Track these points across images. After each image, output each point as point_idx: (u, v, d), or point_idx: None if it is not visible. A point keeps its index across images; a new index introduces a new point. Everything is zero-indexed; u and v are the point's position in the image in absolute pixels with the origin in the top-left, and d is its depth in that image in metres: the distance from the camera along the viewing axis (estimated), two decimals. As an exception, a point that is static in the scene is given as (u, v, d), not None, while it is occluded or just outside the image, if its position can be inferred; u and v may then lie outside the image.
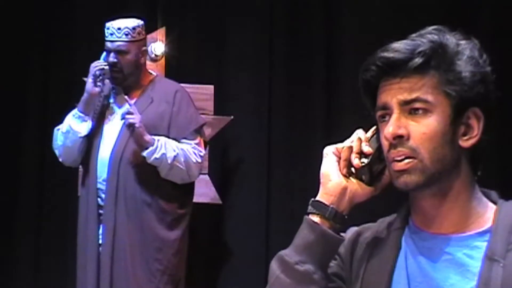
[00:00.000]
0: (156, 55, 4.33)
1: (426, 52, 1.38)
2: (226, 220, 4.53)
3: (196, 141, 3.76)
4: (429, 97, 1.38)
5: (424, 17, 4.31)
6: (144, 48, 3.80)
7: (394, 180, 1.41)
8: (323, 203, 1.44)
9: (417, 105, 1.38)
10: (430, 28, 1.43)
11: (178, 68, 4.50)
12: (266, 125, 4.55)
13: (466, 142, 1.40)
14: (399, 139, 1.39)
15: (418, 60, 1.38)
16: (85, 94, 3.70)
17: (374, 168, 1.45)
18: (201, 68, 4.61)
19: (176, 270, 3.72)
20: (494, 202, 1.45)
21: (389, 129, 1.39)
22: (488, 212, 1.43)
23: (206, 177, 4.28)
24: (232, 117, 4.39)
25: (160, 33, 4.38)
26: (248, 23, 4.63)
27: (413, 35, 1.42)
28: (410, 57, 1.38)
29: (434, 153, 1.38)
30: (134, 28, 3.73)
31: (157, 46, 4.33)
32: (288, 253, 1.44)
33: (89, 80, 3.68)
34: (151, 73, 3.89)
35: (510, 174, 4.21)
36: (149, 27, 4.44)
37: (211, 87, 4.40)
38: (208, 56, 4.65)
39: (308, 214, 1.45)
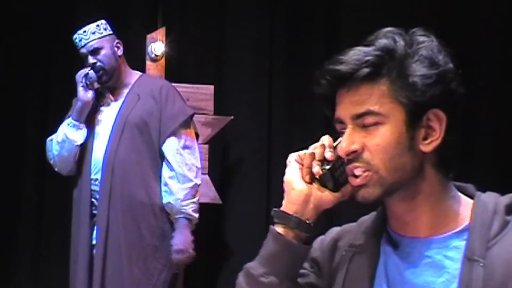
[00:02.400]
0: (156, 55, 4.33)
1: (372, 61, 1.34)
2: (226, 220, 4.52)
3: (182, 139, 3.73)
4: (380, 108, 1.34)
5: (423, 15, 4.31)
6: (116, 41, 3.81)
7: (355, 194, 1.39)
8: (286, 213, 1.41)
9: (368, 117, 1.35)
10: (383, 31, 1.39)
11: (178, 68, 4.50)
12: (266, 125, 4.55)
13: (427, 146, 1.36)
14: (353, 154, 1.36)
15: (364, 71, 1.33)
16: (78, 103, 3.71)
17: (337, 174, 1.41)
18: (201, 68, 4.61)
19: (175, 270, 3.72)
20: (472, 197, 1.42)
21: (342, 145, 1.37)
22: (465, 209, 1.40)
23: (206, 177, 4.27)
24: (232, 117, 4.38)
25: (160, 33, 4.38)
26: (248, 23, 4.63)
27: (369, 38, 1.38)
28: (356, 68, 1.34)
29: (391, 164, 1.35)
30: (98, 26, 3.78)
31: (157, 46, 4.33)
32: (253, 266, 1.42)
33: (80, 89, 3.70)
34: (136, 73, 3.92)
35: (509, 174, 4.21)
36: (149, 27, 4.45)
37: (211, 87, 4.40)
38: (208, 56, 4.64)
39: (274, 224, 1.43)
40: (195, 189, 3.70)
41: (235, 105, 4.51)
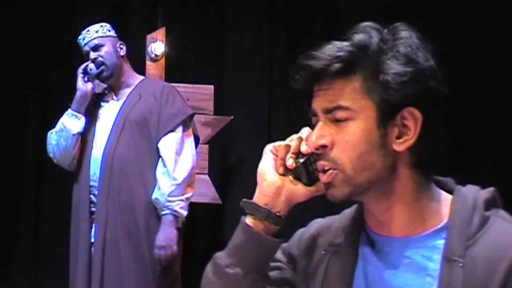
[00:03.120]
0: (156, 55, 4.33)
1: (344, 57, 1.30)
2: (226, 220, 4.52)
3: (179, 138, 3.73)
4: (351, 104, 1.30)
5: (423, 15, 4.31)
6: (119, 43, 3.84)
7: (325, 192, 1.36)
8: (256, 204, 1.39)
9: (339, 112, 1.31)
10: (361, 26, 1.35)
11: (178, 68, 4.50)
12: (266, 125, 4.55)
13: (400, 145, 1.32)
14: (322, 149, 1.33)
15: (336, 66, 1.30)
16: (77, 93, 3.75)
17: (311, 168, 1.37)
18: (201, 68, 4.61)
19: (172, 267, 3.72)
20: (452, 192, 1.38)
21: (312, 138, 1.35)
22: (443, 206, 1.36)
23: (206, 177, 4.28)
24: (232, 117, 4.39)
25: (160, 33, 4.38)
26: (248, 23, 4.64)
27: (348, 32, 1.35)
28: (328, 63, 1.30)
29: (358, 162, 1.31)
30: (102, 26, 3.81)
31: (157, 46, 4.33)
32: (221, 256, 1.41)
33: (79, 79, 3.74)
34: (139, 76, 3.94)
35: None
36: (149, 27, 4.45)
37: (211, 87, 4.40)
38: (208, 56, 4.65)
39: (245, 215, 1.41)
40: (184, 186, 3.68)
41: (235, 105, 4.51)
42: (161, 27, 4.43)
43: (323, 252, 1.42)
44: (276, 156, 1.41)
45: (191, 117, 3.84)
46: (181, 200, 3.67)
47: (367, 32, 1.33)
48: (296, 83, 1.36)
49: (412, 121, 1.31)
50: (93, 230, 3.69)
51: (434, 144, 1.34)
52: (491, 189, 1.38)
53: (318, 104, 1.34)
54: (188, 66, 4.61)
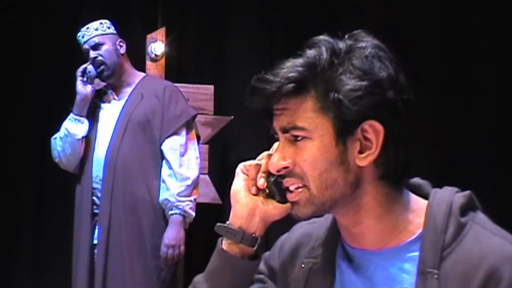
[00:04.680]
0: (156, 55, 4.33)
1: (294, 77, 1.27)
2: (226, 220, 4.51)
3: (183, 140, 3.73)
4: (305, 123, 1.28)
5: (422, 16, 4.31)
6: (119, 40, 3.83)
7: (290, 211, 1.34)
8: (230, 228, 1.38)
9: (295, 132, 1.29)
10: (315, 40, 1.32)
11: (178, 68, 4.50)
12: (266, 125, 4.54)
13: (363, 160, 1.28)
14: (285, 170, 1.31)
15: (288, 87, 1.27)
16: (77, 97, 3.73)
17: (284, 185, 1.34)
18: (201, 68, 4.61)
19: (175, 268, 3.72)
20: (427, 196, 1.34)
21: (273, 160, 1.33)
22: (418, 215, 1.31)
23: (206, 177, 4.27)
24: (232, 117, 4.38)
25: (160, 33, 4.38)
26: (248, 23, 4.63)
27: (303, 46, 1.32)
28: (279, 85, 1.28)
29: (320, 181, 1.28)
30: (101, 23, 3.80)
31: (157, 46, 4.33)
32: (199, 280, 1.41)
33: (78, 82, 3.73)
34: (140, 73, 3.93)
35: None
36: (149, 27, 4.44)
37: (211, 87, 4.39)
38: (208, 56, 4.64)
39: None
40: (192, 187, 3.70)
41: (235, 105, 4.51)
42: (161, 27, 4.43)
43: (302, 266, 1.39)
44: (247, 176, 1.39)
45: (194, 117, 3.84)
46: (190, 201, 3.68)
47: (318, 47, 1.30)
48: (252, 105, 1.35)
49: (373, 134, 1.27)
50: (96, 232, 3.69)
51: (400, 154, 1.29)
52: (467, 192, 1.34)
53: (276, 123, 1.33)
54: (188, 66, 4.61)
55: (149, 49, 4.32)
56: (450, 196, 1.32)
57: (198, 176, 3.75)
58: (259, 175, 1.38)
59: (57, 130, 3.80)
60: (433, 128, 4.30)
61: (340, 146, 1.28)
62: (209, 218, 4.49)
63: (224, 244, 1.39)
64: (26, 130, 4.64)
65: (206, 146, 4.31)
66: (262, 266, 1.45)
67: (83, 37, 3.77)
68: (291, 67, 1.29)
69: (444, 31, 4.37)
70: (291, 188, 1.32)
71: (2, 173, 4.56)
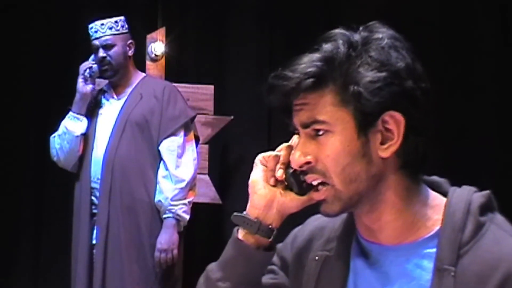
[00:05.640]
0: (156, 55, 4.33)
1: (312, 73, 1.27)
2: (226, 220, 4.52)
3: (181, 141, 3.73)
4: (326, 117, 1.27)
5: (422, 17, 4.31)
6: (130, 41, 3.84)
7: (320, 209, 1.33)
8: (247, 218, 1.37)
9: (316, 126, 1.29)
10: (331, 34, 1.31)
11: (178, 68, 4.50)
12: (266, 125, 4.55)
13: (385, 151, 1.28)
14: (307, 165, 1.31)
15: (307, 82, 1.27)
16: (77, 95, 3.74)
17: (302, 178, 1.33)
18: (201, 68, 4.61)
19: (173, 268, 3.72)
20: (446, 194, 1.34)
21: (294, 156, 1.32)
22: (436, 212, 1.31)
23: (206, 177, 4.28)
24: (232, 117, 4.38)
25: (160, 33, 4.38)
26: (248, 23, 4.63)
27: (318, 40, 1.31)
28: (298, 81, 1.27)
29: (344, 175, 1.28)
30: (116, 22, 3.80)
31: (157, 46, 4.33)
32: (212, 269, 1.40)
33: (80, 80, 3.73)
34: (141, 74, 3.94)
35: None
36: (149, 27, 4.45)
37: (211, 87, 4.40)
38: (208, 56, 4.65)
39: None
40: (187, 189, 3.69)
41: (235, 105, 4.51)
42: (161, 27, 4.43)
43: (316, 258, 1.39)
44: (266, 167, 1.38)
45: (192, 119, 3.84)
46: (184, 204, 3.67)
47: (334, 41, 1.30)
48: (271, 102, 1.34)
49: (394, 124, 1.27)
50: (94, 232, 3.69)
51: (420, 143, 1.30)
52: (487, 192, 1.34)
53: (297, 119, 1.32)
54: (188, 66, 4.61)
55: (149, 49, 4.32)
56: (469, 195, 1.32)
57: (194, 178, 3.74)
58: (278, 166, 1.37)
59: (57, 129, 3.80)
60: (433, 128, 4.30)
61: (362, 139, 1.28)
62: (209, 218, 4.50)
63: (240, 233, 1.38)
64: (26, 130, 4.65)
65: (206, 146, 4.31)
66: (274, 258, 1.44)
67: (96, 32, 3.76)
68: (309, 62, 1.28)
69: (444, 31, 4.37)
70: (314, 183, 1.32)
71: (2, 173, 4.56)
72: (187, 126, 3.79)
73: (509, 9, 4.35)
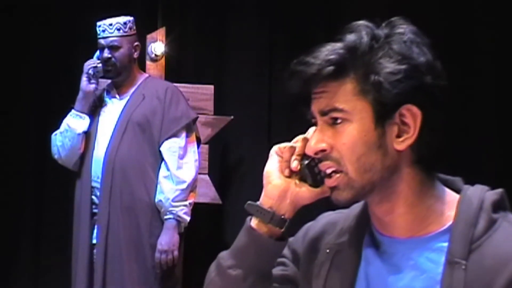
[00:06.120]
0: (156, 55, 4.33)
1: (334, 60, 1.29)
2: (226, 220, 4.52)
3: (183, 142, 3.74)
4: (345, 106, 1.29)
5: (424, 14, 4.30)
6: (136, 43, 3.85)
7: (330, 195, 1.35)
8: (260, 207, 1.39)
9: (334, 115, 1.30)
10: (355, 25, 1.34)
11: (178, 68, 4.50)
12: (266, 125, 4.55)
13: (401, 144, 1.30)
14: (322, 153, 1.33)
15: (328, 70, 1.29)
16: (80, 93, 3.75)
17: (317, 170, 1.35)
18: (201, 68, 4.61)
19: (173, 268, 3.72)
20: (459, 191, 1.35)
21: (311, 143, 1.34)
22: (449, 207, 1.33)
23: (206, 177, 4.27)
24: (232, 117, 4.38)
25: (160, 33, 4.38)
26: (248, 23, 4.63)
27: (342, 31, 1.34)
28: (319, 68, 1.29)
29: (358, 164, 1.30)
30: (125, 23, 3.80)
31: (157, 46, 4.33)
32: (224, 256, 1.42)
33: (83, 79, 3.73)
34: (143, 74, 3.95)
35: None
36: (149, 27, 4.44)
37: (211, 87, 4.40)
38: (208, 56, 4.65)
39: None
40: (188, 191, 3.69)
41: (235, 105, 4.51)
42: (161, 27, 4.43)
43: (327, 251, 1.41)
44: (282, 158, 1.40)
45: (194, 120, 3.84)
46: (185, 205, 3.67)
47: (358, 32, 1.32)
48: (292, 88, 1.35)
49: (411, 118, 1.29)
50: (94, 231, 3.69)
51: (435, 139, 1.32)
52: (500, 190, 1.36)
53: (315, 106, 1.33)
54: (188, 66, 4.61)
55: (149, 49, 4.32)
56: (482, 192, 1.34)
57: (195, 180, 3.75)
58: (293, 157, 1.39)
59: (57, 128, 3.80)
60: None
61: (379, 130, 1.29)
62: (209, 218, 4.50)
63: (253, 222, 1.40)
64: (26, 129, 4.65)
65: (206, 146, 4.31)
66: (285, 250, 1.46)
67: (103, 31, 3.76)
68: (331, 50, 1.31)
69: (444, 31, 4.37)
70: (328, 171, 1.33)
71: (2, 173, 4.56)
72: (189, 128, 3.79)
73: (509, 9, 4.35)
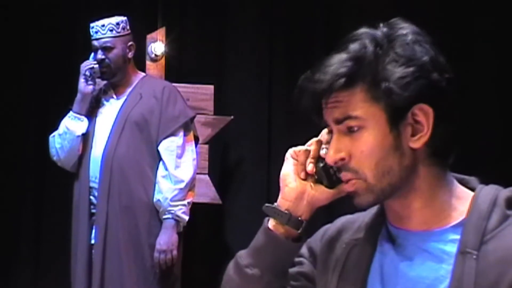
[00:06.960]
0: (156, 55, 4.33)
1: (343, 73, 1.32)
2: (226, 220, 4.52)
3: (180, 141, 3.74)
4: (359, 113, 1.33)
5: (424, 14, 4.30)
6: (130, 43, 3.83)
7: (352, 201, 1.38)
8: (278, 209, 1.43)
9: (349, 122, 1.34)
10: (356, 34, 1.37)
11: (178, 68, 4.50)
12: (266, 125, 4.55)
13: (416, 143, 1.34)
14: (341, 162, 1.36)
15: (339, 83, 1.32)
16: (78, 95, 3.75)
17: (332, 171, 1.40)
18: (201, 68, 4.61)
19: (172, 267, 3.72)
20: (474, 190, 1.39)
21: (330, 153, 1.37)
22: (463, 203, 1.37)
23: (206, 177, 4.28)
24: (232, 117, 4.39)
25: (160, 33, 4.38)
26: (248, 23, 4.63)
27: (343, 41, 1.36)
28: (331, 82, 1.32)
29: (377, 169, 1.33)
30: (117, 24, 3.79)
31: (157, 46, 4.33)
32: (242, 255, 1.46)
33: (81, 80, 3.74)
34: (140, 73, 3.94)
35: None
36: (149, 27, 4.45)
37: (211, 87, 4.40)
38: (208, 56, 4.65)
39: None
40: (186, 190, 3.70)
41: (235, 105, 4.51)
42: (161, 27, 4.43)
43: (344, 246, 1.45)
44: (297, 161, 1.44)
45: (192, 119, 3.84)
46: (183, 205, 3.68)
47: (361, 40, 1.35)
48: (302, 104, 1.38)
49: (423, 116, 1.33)
50: (93, 231, 3.69)
51: (448, 132, 1.36)
52: None
53: (329, 116, 1.36)
54: (188, 66, 4.61)
55: (149, 49, 4.32)
56: (497, 190, 1.37)
57: (193, 179, 3.74)
58: (308, 160, 1.43)
59: (56, 129, 3.80)
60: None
61: (394, 132, 1.33)
62: (208, 218, 4.50)
63: (270, 223, 1.44)
64: (25, 130, 4.65)
65: (206, 146, 4.31)
66: (303, 249, 1.50)
67: (96, 32, 3.75)
68: (339, 63, 1.33)
69: (444, 31, 4.37)
70: (345, 179, 1.37)
71: (2, 173, 4.56)
72: (187, 126, 3.79)
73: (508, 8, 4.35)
